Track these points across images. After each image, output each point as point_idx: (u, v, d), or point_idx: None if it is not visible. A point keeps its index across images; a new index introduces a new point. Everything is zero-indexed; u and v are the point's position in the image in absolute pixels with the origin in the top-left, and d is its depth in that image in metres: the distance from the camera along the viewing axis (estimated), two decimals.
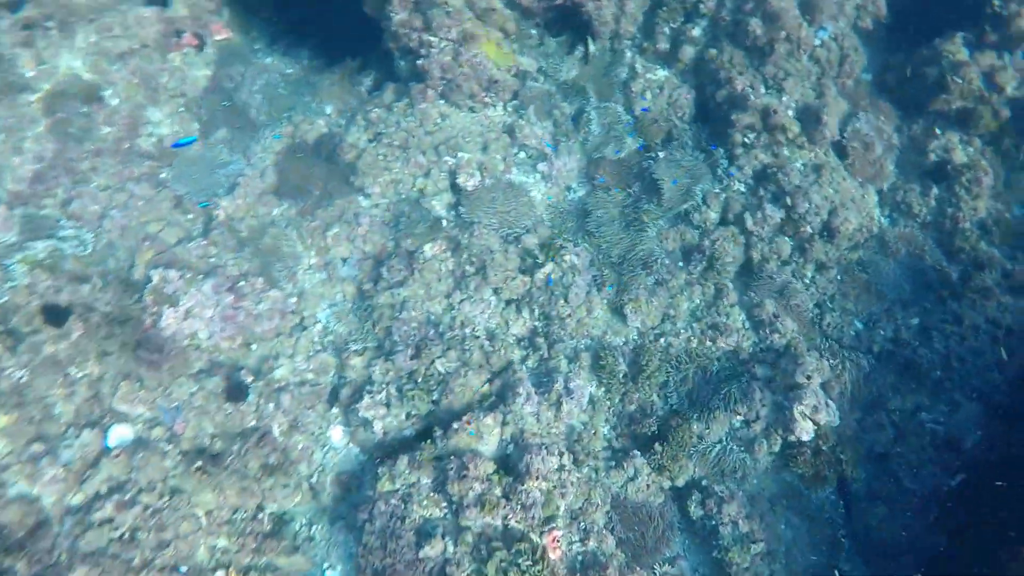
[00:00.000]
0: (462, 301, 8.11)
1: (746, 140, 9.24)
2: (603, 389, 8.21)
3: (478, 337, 7.82)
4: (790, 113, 9.03)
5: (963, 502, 7.41)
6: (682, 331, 8.64)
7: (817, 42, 9.03)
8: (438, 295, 8.15)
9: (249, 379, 7.53)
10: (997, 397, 7.91)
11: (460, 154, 8.82)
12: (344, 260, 8.56)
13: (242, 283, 7.84)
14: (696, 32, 9.52)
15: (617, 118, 9.73)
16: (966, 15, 9.53)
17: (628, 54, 9.96)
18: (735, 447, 7.92)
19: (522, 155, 9.59)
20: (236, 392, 7.38)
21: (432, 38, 8.70)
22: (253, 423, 7.37)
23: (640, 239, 8.92)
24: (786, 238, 9.07)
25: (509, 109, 9.70)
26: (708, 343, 8.54)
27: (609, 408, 8.19)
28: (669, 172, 9.28)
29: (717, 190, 9.25)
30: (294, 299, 8.18)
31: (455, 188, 8.93)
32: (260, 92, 9.75)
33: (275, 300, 7.86)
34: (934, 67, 9.31)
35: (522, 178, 9.32)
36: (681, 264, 9.07)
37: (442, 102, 9.09)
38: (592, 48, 9.79)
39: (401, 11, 8.73)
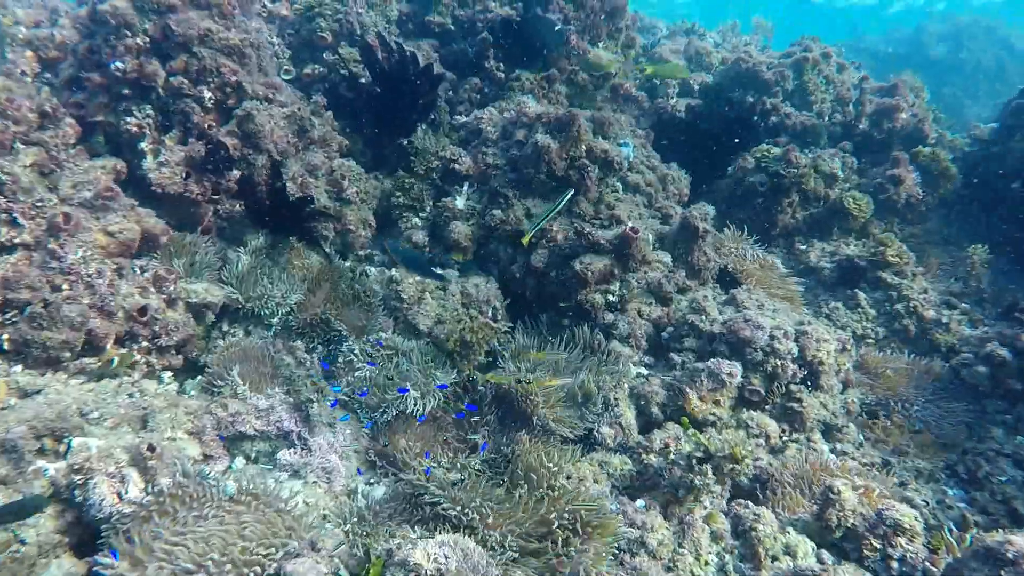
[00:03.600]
0: None
1: (610, 296, 5.68)
2: None
3: None
4: (650, 237, 5.87)
5: None
6: None
7: (625, 163, 6.44)
8: None
9: None
10: None
11: (81, 442, 3.58)
12: None
13: None
14: (459, 202, 6.31)
15: (397, 348, 5.51)
16: (749, 132, 8.05)
17: (373, 270, 6.21)
18: None
19: (249, 451, 4.63)
20: None
21: None
22: None
23: (546, 496, 4.16)
24: (757, 412, 5.17)
25: (193, 387, 4.91)
26: None
27: None
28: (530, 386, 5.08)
29: (610, 381, 5.23)
30: None
31: (91, 536, 3.47)
32: None
33: None
34: (757, 174, 7.27)
35: (259, 484, 4.20)
36: (642, 503, 4.36)
37: (18, 368, 4.01)
38: (326, 250, 5.92)
39: None
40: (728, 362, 5.00)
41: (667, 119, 8.57)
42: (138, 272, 4.74)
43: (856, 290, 6.60)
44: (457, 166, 6.39)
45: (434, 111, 7.13)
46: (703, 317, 5.42)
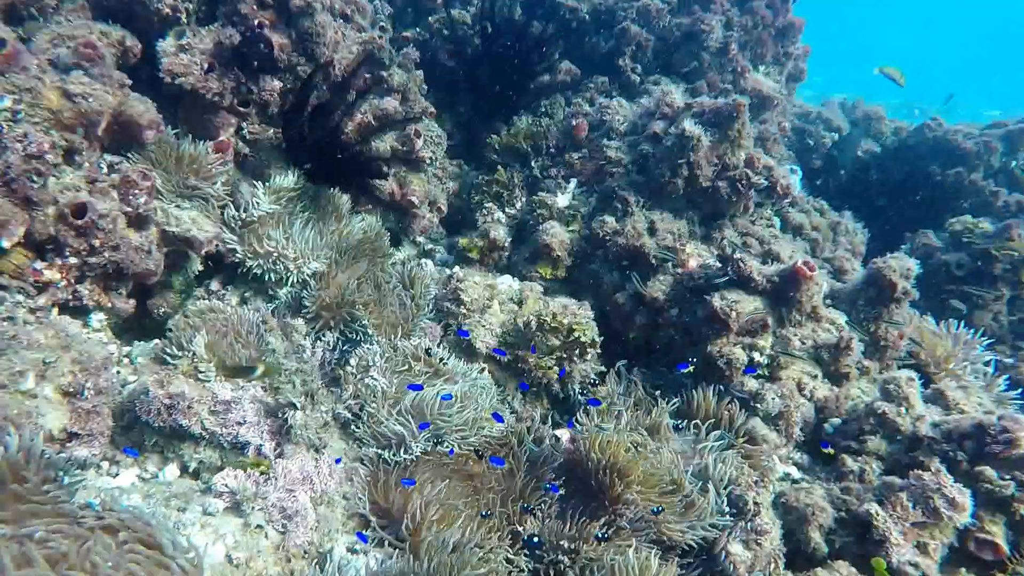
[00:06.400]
0: None
1: (756, 355, 3.87)
2: None
3: None
4: (824, 285, 4.10)
5: None
6: None
7: (796, 190, 4.77)
8: None
9: None
10: None
11: None
12: None
13: None
14: (562, 200, 4.74)
15: (436, 367, 3.84)
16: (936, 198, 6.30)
17: (430, 265, 4.64)
18: None
19: (188, 458, 3.03)
20: None
21: None
22: None
23: None
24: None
25: (142, 353, 3.36)
26: None
27: None
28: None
29: (748, 475, 3.38)
30: None
31: None
32: None
33: None
34: (953, 253, 5.43)
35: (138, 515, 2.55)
36: None
37: None
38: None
39: None
40: (957, 484, 3.10)
41: (817, 175, 6.95)
42: (103, 168, 3.31)
43: None
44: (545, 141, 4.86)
45: (548, 99, 5.72)
46: (902, 409, 3.55)
